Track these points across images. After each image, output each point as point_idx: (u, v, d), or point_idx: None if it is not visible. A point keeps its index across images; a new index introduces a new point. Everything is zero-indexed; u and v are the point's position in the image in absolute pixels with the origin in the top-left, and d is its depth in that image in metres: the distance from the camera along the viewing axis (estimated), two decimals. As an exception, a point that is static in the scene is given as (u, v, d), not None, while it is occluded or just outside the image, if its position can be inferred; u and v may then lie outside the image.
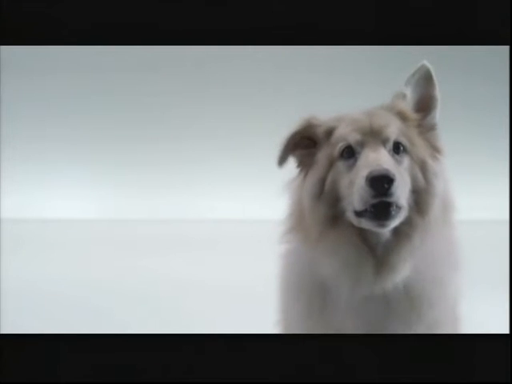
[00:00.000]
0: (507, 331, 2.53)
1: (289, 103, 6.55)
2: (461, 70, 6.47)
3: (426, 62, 1.88)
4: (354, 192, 1.43)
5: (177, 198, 5.91)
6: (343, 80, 6.38)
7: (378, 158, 1.44)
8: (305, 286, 1.65)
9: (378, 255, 1.50)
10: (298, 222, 1.59)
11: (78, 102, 6.31)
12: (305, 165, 1.63)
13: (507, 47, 3.17)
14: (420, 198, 1.54)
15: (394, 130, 1.58)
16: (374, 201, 1.41)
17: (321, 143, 1.58)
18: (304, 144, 1.64)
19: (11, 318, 2.77)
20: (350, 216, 1.48)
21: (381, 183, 1.38)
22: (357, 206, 1.44)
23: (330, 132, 1.58)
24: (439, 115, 1.68)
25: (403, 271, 1.53)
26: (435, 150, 1.72)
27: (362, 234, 1.48)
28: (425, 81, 1.89)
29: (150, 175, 6.24)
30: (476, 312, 2.96)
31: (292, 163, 1.75)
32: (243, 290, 3.04)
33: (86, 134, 6.31)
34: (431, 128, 1.81)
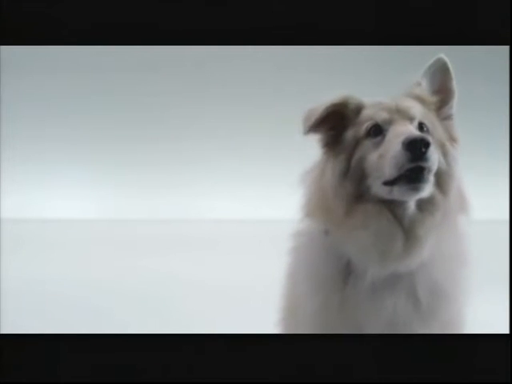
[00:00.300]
0: (507, 331, 2.53)
1: (289, 103, 6.56)
2: (461, 70, 6.47)
3: (442, 55, 1.91)
4: (386, 161, 1.46)
5: (177, 198, 5.91)
6: (343, 80, 6.38)
7: (411, 129, 1.50)
8: (324, 277, 1.64)
9: (405, 228, 1.51)
10: (318, 206, 1.60)
11: (77, 102, 6.31)
12: (331, 145, 1.68)
13: (507, 47, 3.17)
14: (441, 179, 1.61)
15: (418, 110, 1.63)
16: (411, 165, 1.44)
17: (348, 123, 1.64)
18: (332, 122, 1.72)
19: (11, 317, 2.77)
20: (379, 189, 1.50)
21: (418, 146, 1.42)
22: (389, 175, 1.46)
23: (358, 111, 1.67)
24: (455, 107, 1.68)
25: (429, 246, 1.54)
26: (452, 138, 1.81)
27: (390, 207, 1.50)
28: (442, 73, 1.90)
29: (149, 175, 6.24)
30: (476, 312, 2.96)
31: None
32: (243, 289, 3.04)
33: (85, 134, 6.31)
34: (448, 117, 1.84)
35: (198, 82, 6.32)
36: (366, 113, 1.65)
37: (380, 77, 6.55)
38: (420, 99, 1.76)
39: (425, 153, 1.44)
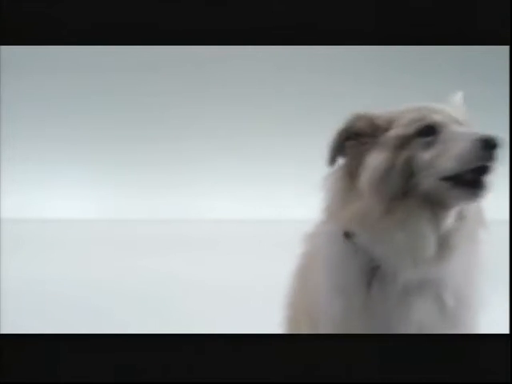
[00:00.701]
0: (507, 331, 2.53)
1: (289, 103, 6.56)
2: (461, 69, 6.48)
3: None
4: (449, 158, 1.45)
5: (177, 198, 5.92)
6: (343, 80, 6.39)
7: (474, 130, 1.50)
8: (347, 281, 1.61)
9: (441, 233, 1.51)
10: (346, 208, 1.54)
11: (77, 102, 6.32)
12: (358, 152, 1.60)
13: (507, 47, 3.17)
14: None
15: (464, 118, 1.68)
16: (479, 163, 1.46)
17: (380, 131, 1.59)
18: (352, 141, 1.65)
19: (11, 318, 2.77)
20: (432, 184, 1.49)
21: (492, 145, 1.45)
22: (451, 170, 1.46)
23: (392, 120, 1.62)
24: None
25: (459, 254, 1.56)
26: None
27: (433, 207, 1.49)
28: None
29: (150, 175, 6.25)
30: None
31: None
32: (243, 289, 3.04)
33: (85, 134, 6.32)
34: None
35: (197, 82, 6.33)
36: (408, 116, 1.65)
37: (380, 77, 6.56)
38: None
39: (494, 153, 1.47)
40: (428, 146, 1.54)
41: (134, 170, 6.30)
